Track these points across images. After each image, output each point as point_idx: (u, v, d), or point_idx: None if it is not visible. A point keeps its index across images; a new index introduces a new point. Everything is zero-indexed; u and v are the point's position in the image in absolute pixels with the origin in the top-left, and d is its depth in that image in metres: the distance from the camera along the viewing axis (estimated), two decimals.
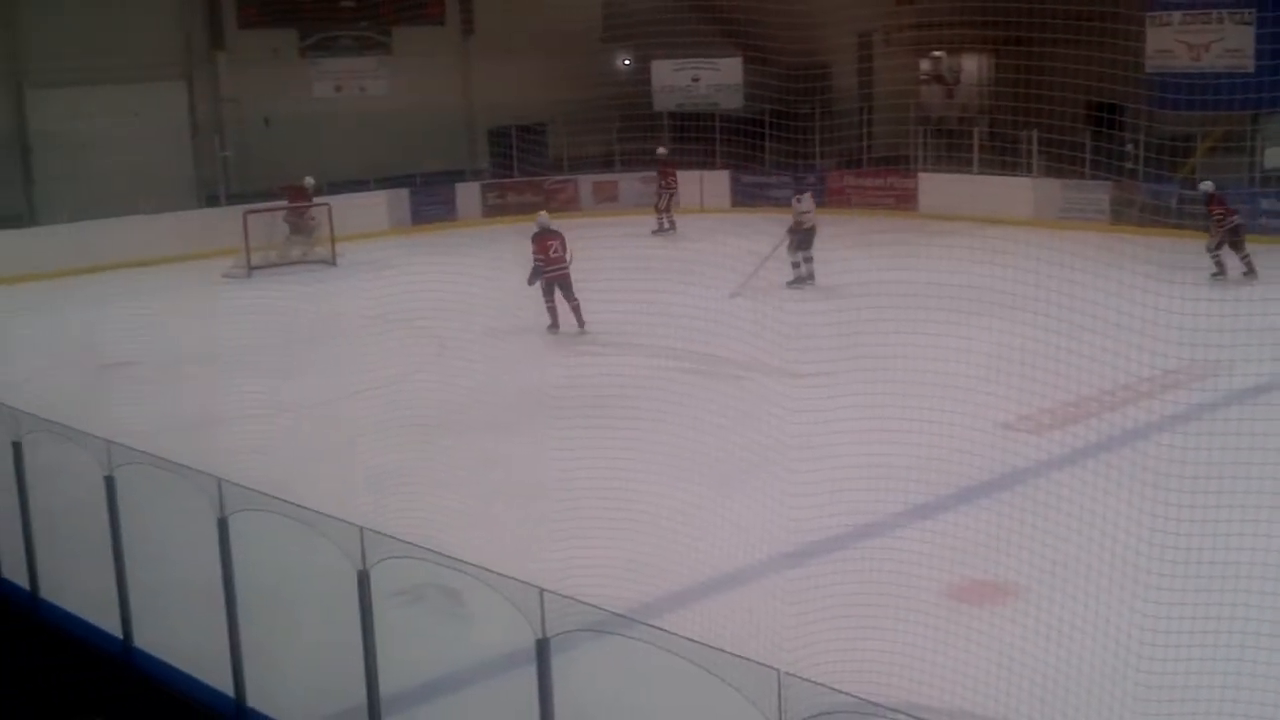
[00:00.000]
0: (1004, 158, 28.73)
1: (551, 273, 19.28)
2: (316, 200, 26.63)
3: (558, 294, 19.11)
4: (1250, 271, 20.96)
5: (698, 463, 12.51)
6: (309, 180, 26.77)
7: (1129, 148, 27.01)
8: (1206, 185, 22.44)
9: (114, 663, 8.39)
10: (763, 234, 21.45)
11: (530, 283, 19.30)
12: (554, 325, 19.12)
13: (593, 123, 31.64)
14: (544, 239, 19.51)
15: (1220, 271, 21.06)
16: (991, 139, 30.56)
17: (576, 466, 12.65)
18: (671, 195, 29.23)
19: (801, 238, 21.68)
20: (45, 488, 10.33)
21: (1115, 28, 24.33)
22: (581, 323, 18.85)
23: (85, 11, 28.44)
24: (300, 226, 26.45)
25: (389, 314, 19.46)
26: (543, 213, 20.84)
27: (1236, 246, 21.27)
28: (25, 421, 9.66)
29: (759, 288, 19.60)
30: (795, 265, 21.48)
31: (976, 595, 9.27)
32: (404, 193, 31.01)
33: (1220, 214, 21.49)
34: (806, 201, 22.33)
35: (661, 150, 30.15)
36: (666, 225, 28.73)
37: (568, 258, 19.22)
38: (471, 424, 14.42)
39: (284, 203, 26.68)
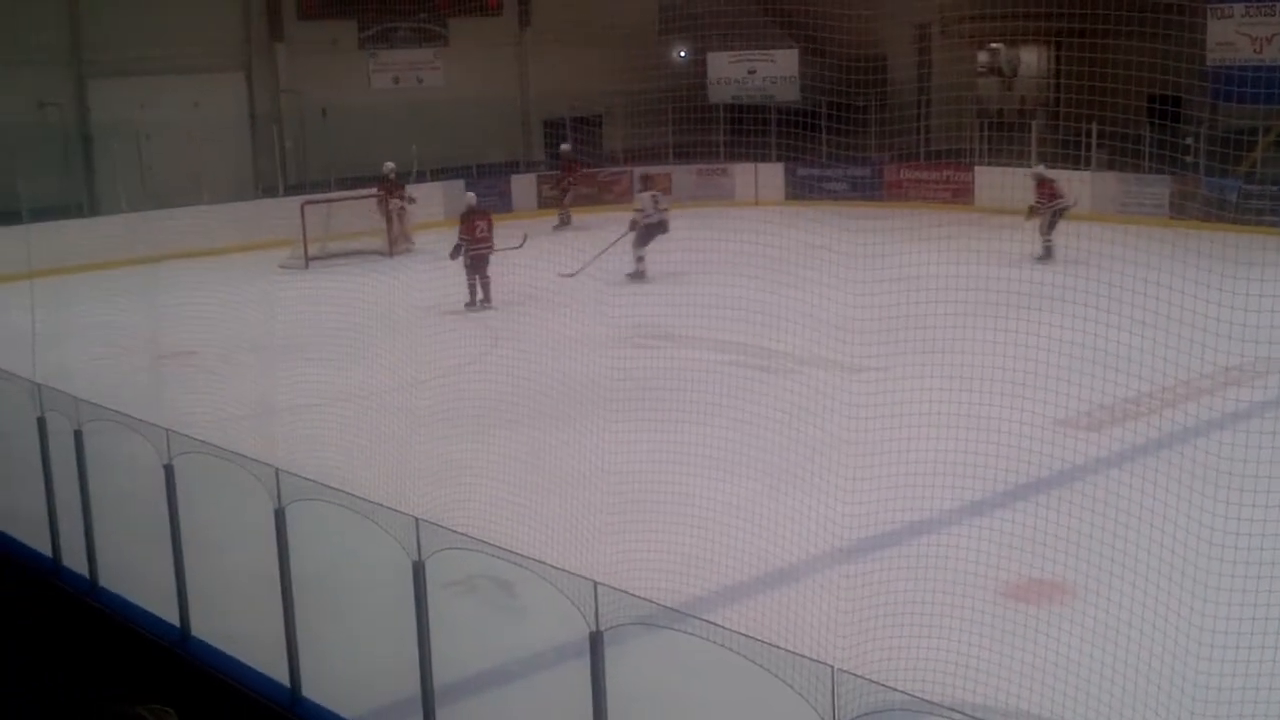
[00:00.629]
0: (1063, 151, 28.46)
1: (476, 250, 21.03)
2: (375, 189, 26.88)
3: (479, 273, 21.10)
4: (1046, 255, 22.52)
5: (751, 457, 12.48)
6: (388, 166, 27.02)
7: (1189, 141, 26.70)
8: (1038, 168, 24.60)
9: (171, 651, 8.47)
10: (818, 225, 21.35)
11: (452, 257, 21.16)
12: (471, 303, 20.88)
13: (648, 115, 31.62)
14: (472, 218, 21.42)
15: (1047, 255, 22.43)
16: (1050, 132, 30.30)
17: (629, 460, 12.67)
18: (570, 191, 30.00)
19: (641, 234, 22.44)
20: (105, 476, 10.46)
21: (1176, 19, 24.02)
22: (489, 299, 20.71)
23: (146, 3, 28.72)
24: (393, 214, 26.80)
25: (444, 305, 19.56)
26: (470, 194, 23.74)
27: (1051, 227, 23.07)
28: (85, 410, 9.77)
29: (595, 275, 20.82)
30: (639, 259, 22.30)
31: (1032, 594, 9.21)
32: (459, 184, 31.11)
33: (1048, 195, 23.51)
34: (645, 201, 23.03)
35: (565, 146, 30.58)
36: (564, 220, 29.54)
37: (493, 238, 21.19)
38: (525, 416, 14.45)
39: (342, 193, 26.93)
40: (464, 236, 20.98)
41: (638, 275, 22.08)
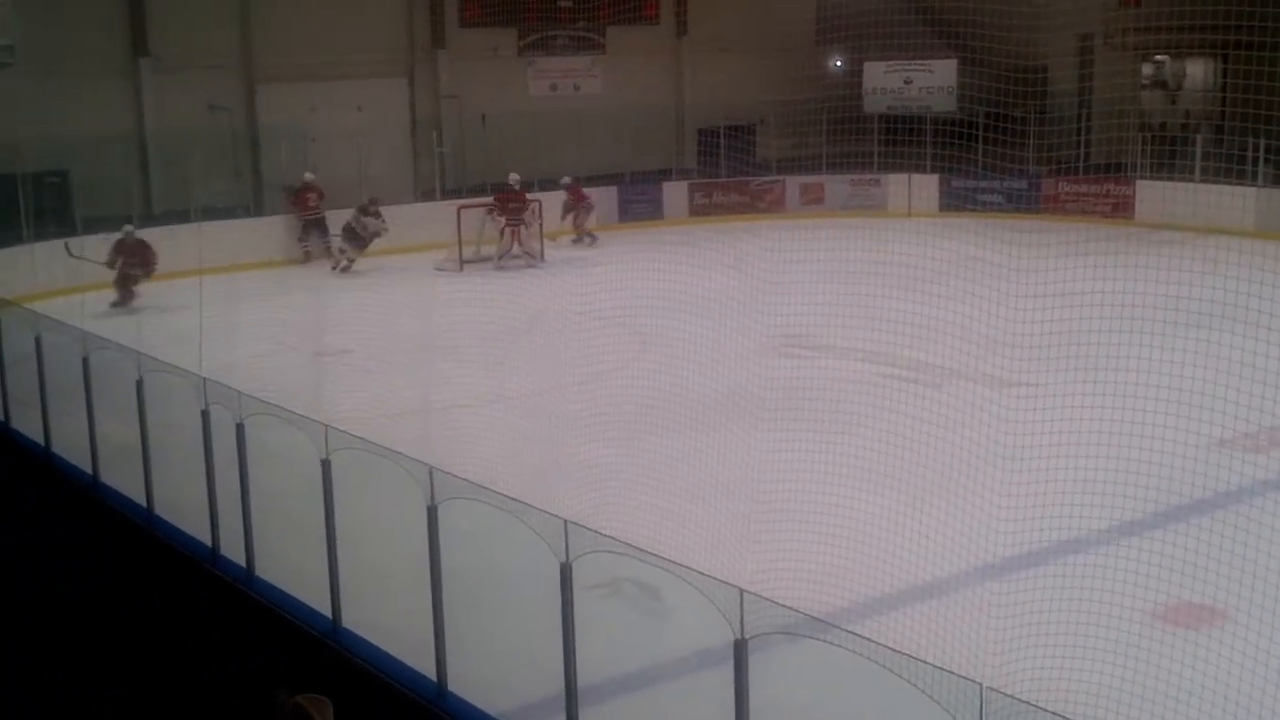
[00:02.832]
0: (1228, 165, 27.69)
1: (308, 218, 26.69)
2: (528, 198, 27.10)
3: (314, 235, 26.56)
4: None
5: (899, 470, 12.36)
6: (513, 177, 27.18)
7: None
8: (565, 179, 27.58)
9: (322, 641, 8.66)
10: (973, 237, 21.08)
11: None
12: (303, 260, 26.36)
13: (802, 124, 31.51)
14: (304, 191, 26.70)
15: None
16: (1215, 146, 29.50)
17: (776, 469, 12.63)
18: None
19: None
20: (263, 468, 10.75)
21: None
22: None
23: (313, 8, 29.48)
24: (512, 224, 26.87)
25: (594, 310, 19.70)
26: (308, 173, 27.10)
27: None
28: (247, 404, 10.04)
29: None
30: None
31: (1185, 617, 8.98)
32: (612, 190, 31.33)
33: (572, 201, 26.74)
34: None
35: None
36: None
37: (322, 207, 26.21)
38: (673, 422, 14.49)
39: (492, 200, 27.18)
40: (294, 207, 26.61)
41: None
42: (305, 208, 27.00)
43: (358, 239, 26.00)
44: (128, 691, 8.53)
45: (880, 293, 16.19)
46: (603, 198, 30.96)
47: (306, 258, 26.99)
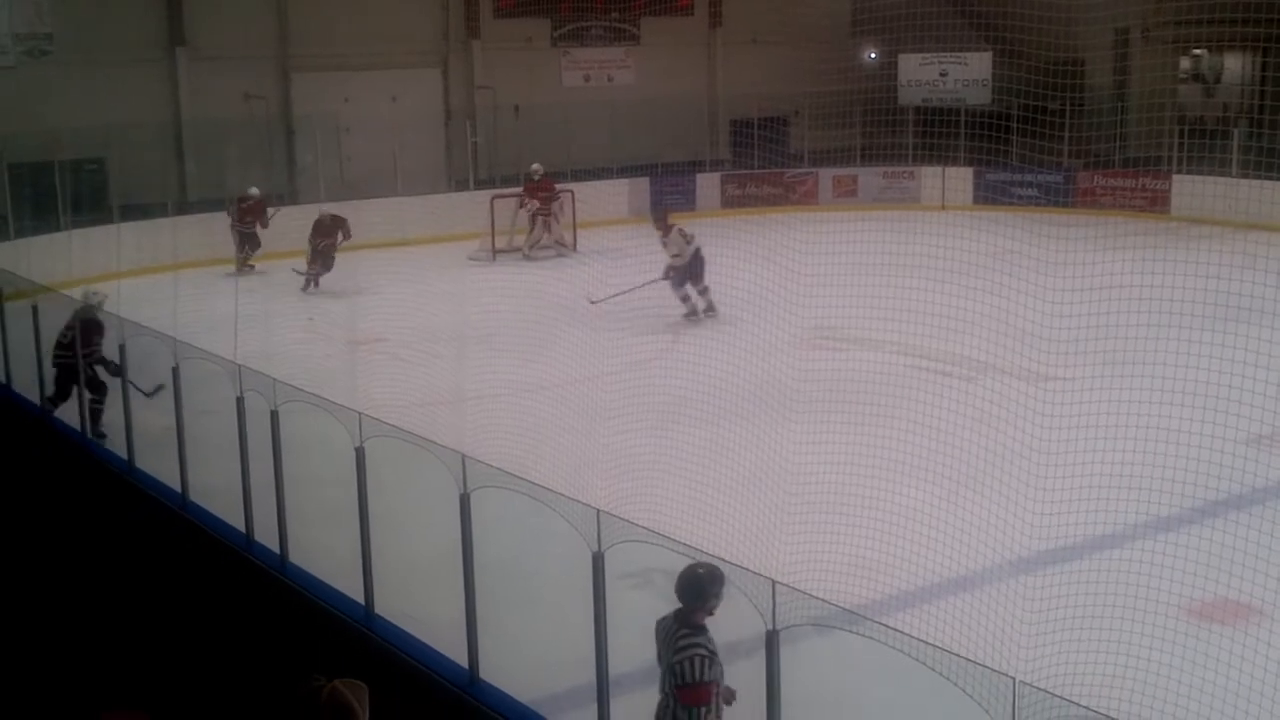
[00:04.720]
0: (1266, 159, 27.47)
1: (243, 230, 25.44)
2: (559, 188, 27.09)
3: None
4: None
5: (932, 462, 12.33)
6: (535, 167, 27.14)
7: None
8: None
9: (355, 627, 8.71)
10: (1007, 230, 20.99)
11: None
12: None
13: (836, 116, 31.43)
14: (241, 204, 25.23)
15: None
16: (1253, 140, 29.26)
17: (809, 461, 12.61)
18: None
19: (677, 278, 20.26)
20: (297, 456, 10.80)
21: None
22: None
23: None
24: (542, 213, 26.83)
25: (626, 301, 19.73)
26: (253, 188, 25.34)
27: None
28: (282, 391, 10.09)
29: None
30: (685, 300, 20.21)
31: (1220, 614, 8.93)
32: (644, 181, 31.32)
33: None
34: (676, 242, 20.44)
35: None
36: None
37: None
38: (704, 413, 14.49)
39: (522, 190, 27.13)
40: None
41: (695, 314, 20.11)
42: (242, 221, 25.53)
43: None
44: (162, 676, 8.58)
45: (914, 285, 16.14)
46: (635, 189, 30.95)
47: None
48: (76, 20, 26.88)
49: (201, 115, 28.42)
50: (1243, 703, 7.39)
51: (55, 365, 14.59)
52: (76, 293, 15.81)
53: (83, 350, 14.24)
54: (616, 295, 19.73)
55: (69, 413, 14.28)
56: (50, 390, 14.66)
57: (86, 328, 14.45)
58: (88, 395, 14.20)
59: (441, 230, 26.98)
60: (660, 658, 6.43)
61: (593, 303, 19.61)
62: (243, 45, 28.86)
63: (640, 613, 6.87)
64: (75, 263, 21.81)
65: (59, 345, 14.59)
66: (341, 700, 4.52)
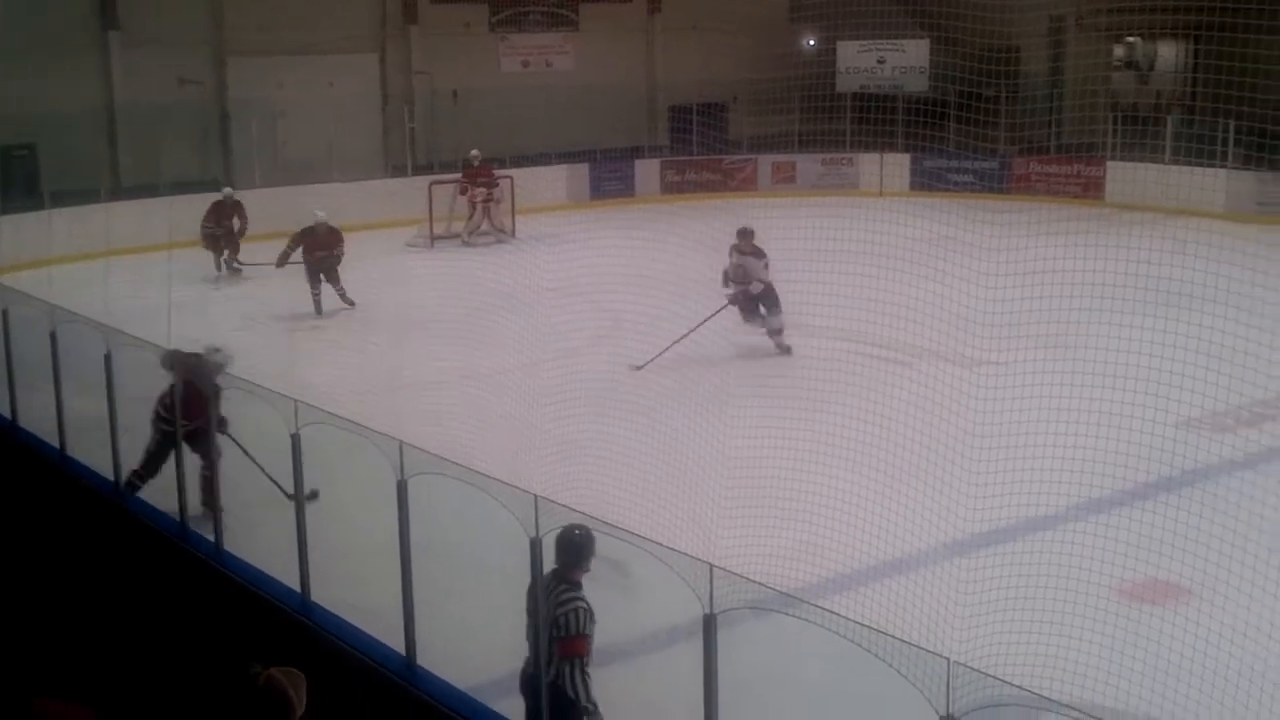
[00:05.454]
0: (1198, 146, 27.84)
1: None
2: (497, 173, 26.98)
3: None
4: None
5: (868, 447, 12.42)
6: (473, 153, 27.00)
7: None
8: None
9: (292, 615, 8.65)
10: (943, 216, 21.13)
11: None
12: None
13: (774, 103, 31.51)
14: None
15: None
16: (1186, 128, 29.65)
17: (748, 446, 12.65)
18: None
19: (748, 305, 17.52)
20: (233, 444, 10.71)
21: None
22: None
23: None
24: (483, 200, 26.71)
25: (566, 287, 19.67)
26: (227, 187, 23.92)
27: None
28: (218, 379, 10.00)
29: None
30: (775, 333, 17.45)
31: (1151, 594, 9.06)
32: (583, 168, 31.28)
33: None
34: (752, 267, 17.39)
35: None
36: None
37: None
38: (644, 398, 14.51)
39: (460, 176, 26.97)
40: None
41: (783, 348, 17.30)
42: (219, 225, 23.67)
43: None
44: (97, 667, 8.50)
45: (851, 271, 16.20)
46: (574, 175, 30.92)
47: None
48: (7, 4, 26.44)
49: (135, 100, 28.06)
50: (1172, 681, 7.50)
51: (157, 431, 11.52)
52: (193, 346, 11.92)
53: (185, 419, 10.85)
54: (663, 353, 16.59)
55: None
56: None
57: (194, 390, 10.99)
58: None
59: (379, 216, 26.79)
60: (531, 614, 6.82)
61: (637, 369, 16.32)
62: (177, 29, 28.50)
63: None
64: (5, 250, 21.48)
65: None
66: (278, 688, 4.50)
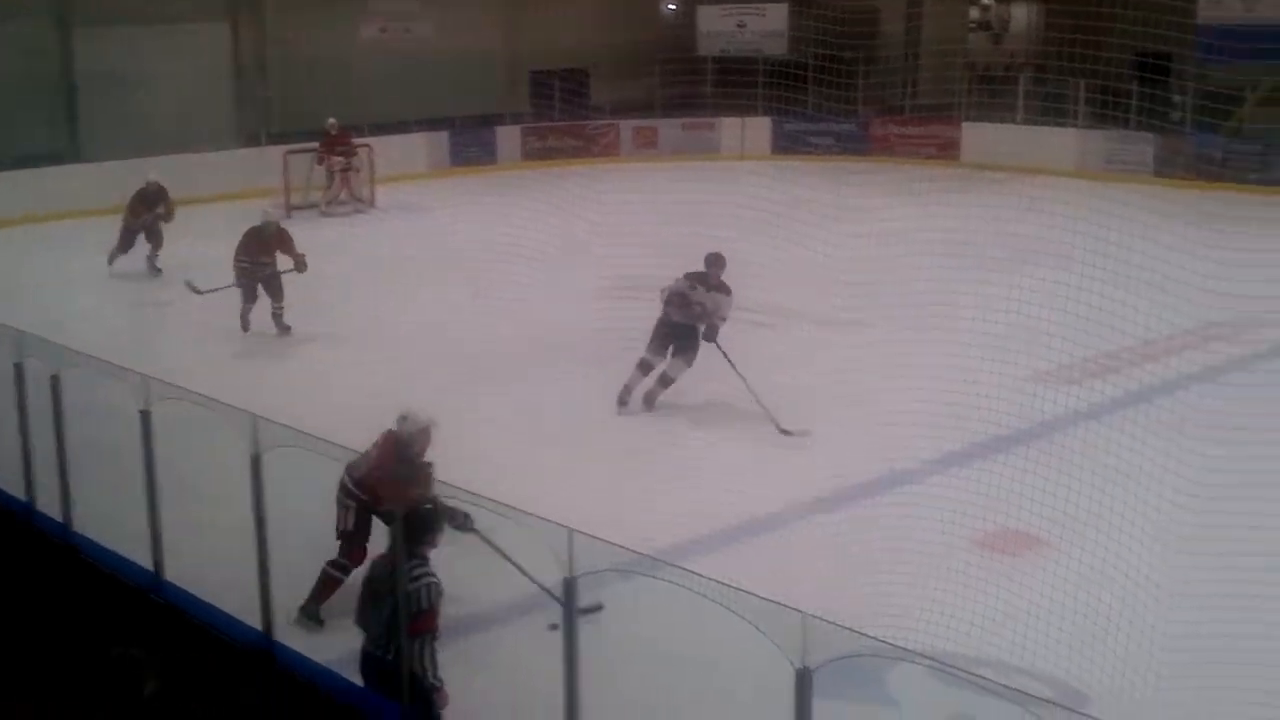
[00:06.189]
0: (1049, 105, 28.45)
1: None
2: (356, 142, 26.57)
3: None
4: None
5: (729, 408, 12.52)
6: (331, 122, 26.52)
7: (1177, 99, 26.69)
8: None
9: (144, 594, 8.46)
10: (802, 179, 21.31)
11: None
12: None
13: (635, 68, 31.47)
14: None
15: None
16: (1037, 88, 30.26)
17: (610, 412, 12.66)
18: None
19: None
20: (82, 422, 10.41)
21: None
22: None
23: None
24: (342, 169, 26.24)
25: (426, 256, 19.53)
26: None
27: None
28: (64, 356, 9.72)
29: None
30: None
31: (1005, 544, 9.25)
32: (443, 135, 30.96)
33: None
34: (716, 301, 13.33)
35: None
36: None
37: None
38: (508, 367, 14.47)
39: (318, 146, 26.42)
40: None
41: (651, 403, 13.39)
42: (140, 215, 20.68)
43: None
44: None
45: (713, 234, 16.27)
46: (433, 143, 30.59)
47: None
48: None
49: None
50: (1023, 628, 7.68)
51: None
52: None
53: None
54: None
55: None
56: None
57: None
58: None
59: (234, 187, 26.19)
60: (374, 595, 6.84)
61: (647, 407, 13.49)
62: None
63: (441, 566, 6.80)
64: None
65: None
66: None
